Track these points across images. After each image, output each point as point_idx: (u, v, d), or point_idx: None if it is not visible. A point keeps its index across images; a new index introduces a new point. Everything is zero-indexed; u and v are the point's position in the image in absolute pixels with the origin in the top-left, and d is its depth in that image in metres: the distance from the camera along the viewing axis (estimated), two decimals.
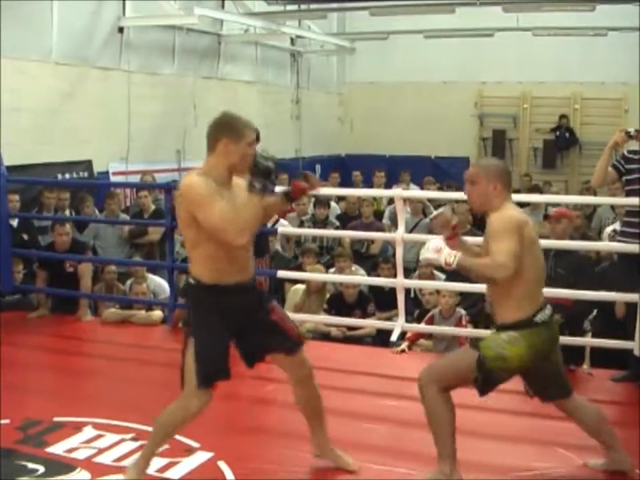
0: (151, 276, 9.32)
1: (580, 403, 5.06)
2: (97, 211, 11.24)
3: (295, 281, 9.49)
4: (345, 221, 12.39)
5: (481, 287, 8.68)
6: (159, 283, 9.29)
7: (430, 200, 12.75)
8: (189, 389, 4.62)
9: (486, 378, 4.64)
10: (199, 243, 4.51)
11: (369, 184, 16.01)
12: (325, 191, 13.43)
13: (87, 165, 12.69)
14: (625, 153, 6.91)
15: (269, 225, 9.95)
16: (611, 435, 5.07)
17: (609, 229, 9.97)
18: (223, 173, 4.53)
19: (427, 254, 4.68)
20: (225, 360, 4.60)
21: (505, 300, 4.63)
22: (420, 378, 4.76)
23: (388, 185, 14.87)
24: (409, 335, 8.00)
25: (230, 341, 4.67)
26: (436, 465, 4.80)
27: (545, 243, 7.55)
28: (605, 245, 9.13)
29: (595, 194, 11.52)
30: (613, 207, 11.34)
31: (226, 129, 4.55)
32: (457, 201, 11.33)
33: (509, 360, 4.56)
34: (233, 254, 4.51)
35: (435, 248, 4.65)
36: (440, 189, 14.52)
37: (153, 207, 11.03)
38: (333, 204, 13.57)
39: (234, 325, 4.64)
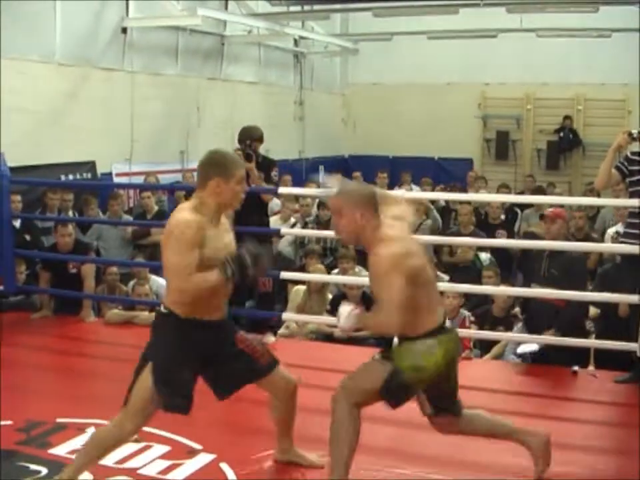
0: (153, 277, 9.31)
1: (468, 414, 4.91)
2: (100, 213, 11.23)
3: (298, 282, 9.50)
4: None
5: (485, 289, 8.74)
6: (162, 284, 9.27)
7: (432, 201, 12.74)
8: (128, 410, 4.68)
9: (400, 390, 4.55)
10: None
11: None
12: (328, 192, 13.46)
13: (91, 165, 12.69)
14: (629, 154, 6.91)
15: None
16: (510, 428, 4.97)
17: (611, 231, 9.97)
18: (212, 209, 4.62)
19: (347, 323, 4.58)
20: (187, 393, 4.67)
21: (412, 317, 4.45)
22: (334, 395, 4.65)
23: (391, 186, 14.90)
24: None
25: (194, 374, 4.71)
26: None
27: (542, 243, 7.61)
28: (607, 247, 9.15)
29: (598, 195, 11.52)
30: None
31: (217, 168, 4.63)
32: (461, 202, 11.34)
33: (425, 369, 4.50)
34: (212, 292, 4.55)
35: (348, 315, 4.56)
36: (444, 189, 14.54)
37: (156, 208, 11.03)
38: None
39: (201, 358, 4.67)
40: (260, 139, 8.22)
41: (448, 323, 4.77)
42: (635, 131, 6.90)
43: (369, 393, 4.58)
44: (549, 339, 7.24)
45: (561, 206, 8.09)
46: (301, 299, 9.16)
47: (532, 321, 7.57)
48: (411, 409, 5.57)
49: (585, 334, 7.83)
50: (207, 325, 4.63)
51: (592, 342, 7.59)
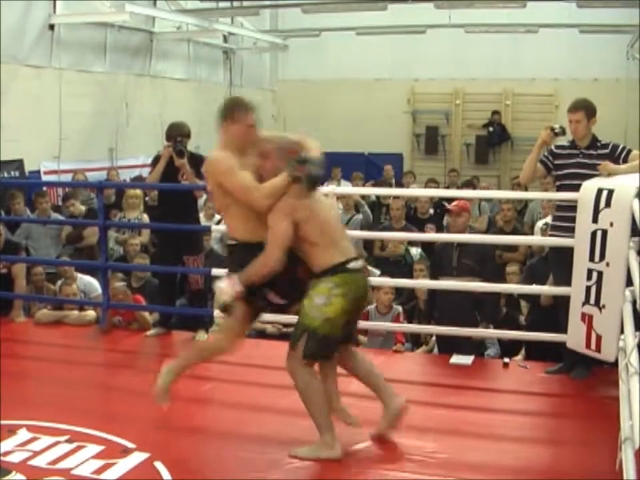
0: (80, 275, 9.23)
1: (360, 353, 5.62)
2: (28, 210, 11.10)
3: None
4: None
5: (414, 283, 8.81)
6: (89, 282, 9.22)
7: (363, 197, 12.80)
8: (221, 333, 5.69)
9: (322, 344, 5.07)
10: (229, 206, 5.30)
11: None
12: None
13: (18, 164, 12.55)
14: (553, 148, 7.00)
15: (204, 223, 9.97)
16: (380, 383, 5.49)
17: (540, 223, 10.10)
18: (233, 149, 5.34)
19: (232, 289, 5.14)
20: None
21: (313, 257, 5.17)
22: (287, 367, 5.18)
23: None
24: None
25: None
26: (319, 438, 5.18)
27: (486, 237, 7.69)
28: (535, 239, 9.30)
29: (526, 189, 11.66)
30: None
31: (223, 113, 5.52)
32: (394, 197, 11.41)
33: (333, 318, 5.04)
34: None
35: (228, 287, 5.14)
36: (375, 185, 14.62)
37: (83, 209, 10.91)
38: None
39: None
40: (188, 135, 8.18)
41: (356, 264, 5.26)
42: (556, 126, 6.99)
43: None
44: (486, 332, 7.34)
45: (490, 200, 8.19)
46: None
47: (446, 315, 7.62)
48: (349, 404, 5.62)
49: (518, 326, 7.97)
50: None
51: (523, 334, 7.68)
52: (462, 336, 7.38)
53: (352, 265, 5.21)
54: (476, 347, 7.57)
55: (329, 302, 5.03)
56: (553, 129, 6.93)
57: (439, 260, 7.85)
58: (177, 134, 8.06)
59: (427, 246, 10.62)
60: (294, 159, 5.22)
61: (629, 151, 6.66)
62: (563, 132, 6.97)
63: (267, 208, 5.12)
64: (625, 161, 6.58)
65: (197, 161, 8.04)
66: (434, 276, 7.86)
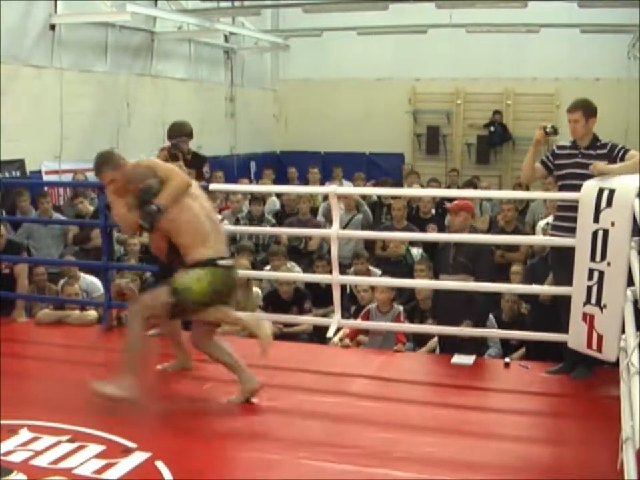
0: (83, 275, 9.23)
1: (218, 341, 6.29)
2: (33, 209, 11.12)
3: None
4: (284, 218, 12.42)
5: (416, 283, 8.81)
6: (91, 282, 9.22)
7: (363, 197, 12.76)
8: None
9: (176, 304, 5.85)
10: None
11: (303, 180, 16.08)
12: (261, 188, 13.49)
13: (20, 164, 12.54)
14: (555, 148, 7.00)
15: None
16: (235, 362, 6.17)
17: (542, 223, 10.10)
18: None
19: None
20: None
21: (186, 248, 5.97)
22: (129, 314, 6.23)
23: (322, 182, 14.96)
24: (347, 331, 8.00)
25: None
26: (116, 379, 5.85)
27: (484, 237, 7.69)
28: (535, 239, 9.30)
29: (527, 189, 11.66)
30: (545, 201, 11.49)
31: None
32: (394, 197, 11.41)
33: (193, 291, 5.82)
34: None
35: None
36: (376, 184, 14.60)
37: (91, 209, 10.93)
38: (272, 199, 13.59)
39: None
40: (190, 135, 8.16)
41: (227, 262, 6.06)
42: (548, 125, 7.00)
43: (157, 308, 5.92)
44: (486, 331, 7.33)
45: (489, 200, 8.19)
46: None
47: (445, 314, 7.63)
48: (346, 403, 5.62)
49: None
50: None
51: (525, 334, 7.67)
52: (462, 335, 7.38)
53: (221, 262, 5.97)
54: (477, 347, 7.56)
55: (198, 279, 5.85)
56: (545, 129, 6.94)
57: (439, 258, 7.87)
58: (177, 134, 8.04)
59: (428, 246, 10.64)
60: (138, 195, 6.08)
61: (626, 151, 6.64)
62: (554, 132, 7.00)
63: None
64: (622, 160, 6.57)
65: (199, 160, 8.03)
66: (435, 274, 7.88)
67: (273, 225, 11.80)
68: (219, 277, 5.93)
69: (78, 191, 11.41)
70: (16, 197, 10.86)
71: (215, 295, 5.93)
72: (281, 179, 16.81)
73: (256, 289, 9.41)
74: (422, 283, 8.71)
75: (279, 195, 13.73)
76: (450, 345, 7.54)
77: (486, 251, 7.72)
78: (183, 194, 6.09)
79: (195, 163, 7.99)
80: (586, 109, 6.79)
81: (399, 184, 15.00)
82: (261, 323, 6.19)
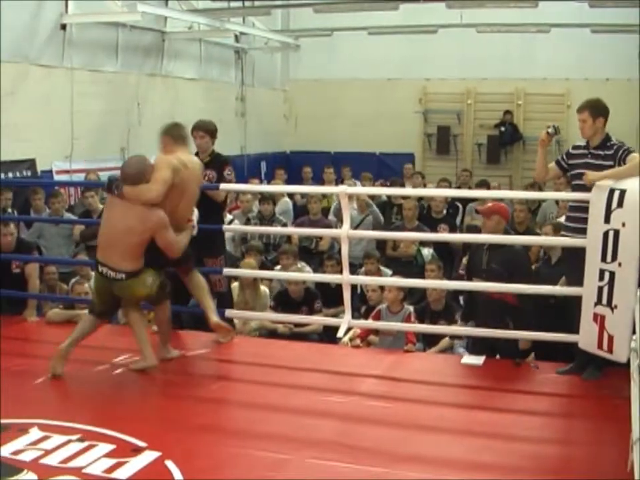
0: (93, 274, 9.22)
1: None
2: (47, 207, 11.12)
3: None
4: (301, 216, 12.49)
5: (426, 283, 8.81)
6: None
7: (372, 197, 12.71)
8: None
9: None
10: None
11: (317, 180, 16.08)
12: (272, 188, 13.50)
13: (30, 163, 12.56)
14: (570, 149, 7.01)
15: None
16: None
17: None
18: None
19: None
20: None
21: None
22: (124, 311, 7.26)
23: (336, 181, 14.97)
24: (359, 331, 7.99)
25: None
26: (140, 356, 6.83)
27: (483, 237, 7.65)
28: (547, 239, 9.25)
29: (540, 189, 11.63)
30: (557, 202, 11.46)
31: None
32: (404, 197, 11.40)
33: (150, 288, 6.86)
34: None
35: None
36: (384, 184, 14.61)
37: (101, 207, 10.93)
38: (284, 199, 13.57)
39: None
40: (214, 134, 8.14)
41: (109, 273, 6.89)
42: (550, 126, 7.01)
43: (139, 299, 6.97)
44: (497, 332, 7.28)
45: (501, 200, 8.12)
46: (237, 296, 9.12)
47: (476, 316, 7.58)
48: (357, 403, 5.62)
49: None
50: None
51: (536, 334, 7.64)
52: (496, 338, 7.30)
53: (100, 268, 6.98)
54: (512, 352, 7.39)
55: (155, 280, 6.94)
56: (547, 130, 6.97)
57: (471, 260, 7.74)
58: (202, 129, 8.07)
59: (440, 246, 10.62)
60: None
61: (629, 153, 6.62)
62: (555, 132, 7.02)
63: None
64: (624, 161, 6.56)
65: (218, 162, 7.98)
66: (468, 276, 7.73)
67: (283, 225, 11.80)
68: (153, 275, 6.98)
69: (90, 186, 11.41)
70: (30, 195, 10.89)
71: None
72: (291, 178, 16.81)
73: (264, 289, 9.42)
74: (432, 284, 8.73)
75: (290, 196, 13.73)
76: (482, 348, 7.45)
77: (522, 262, 7.52)
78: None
79: (216, 164, 7.95)
80: (593, 109, 6.77)
81: (402, 184, 15.00)
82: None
